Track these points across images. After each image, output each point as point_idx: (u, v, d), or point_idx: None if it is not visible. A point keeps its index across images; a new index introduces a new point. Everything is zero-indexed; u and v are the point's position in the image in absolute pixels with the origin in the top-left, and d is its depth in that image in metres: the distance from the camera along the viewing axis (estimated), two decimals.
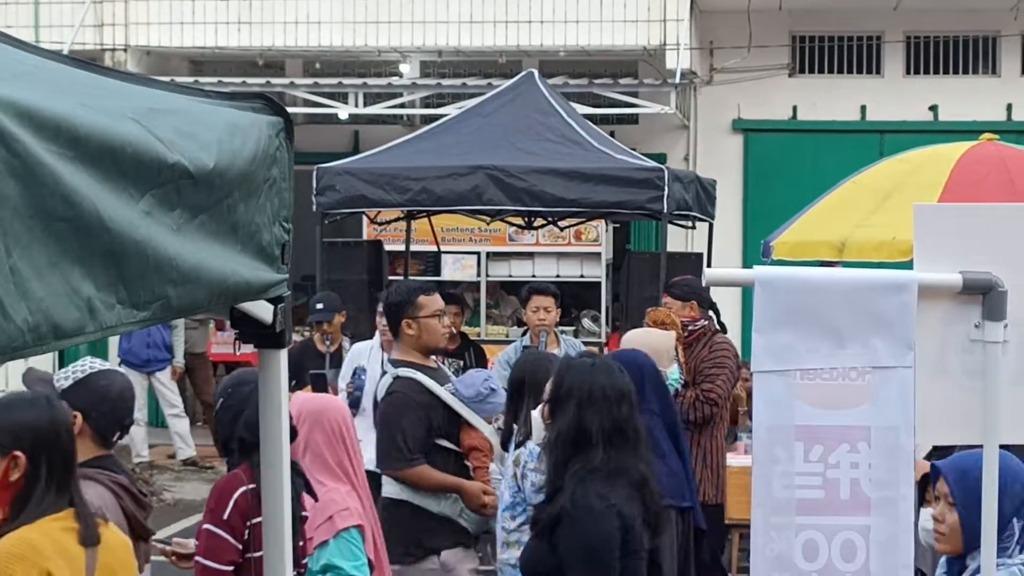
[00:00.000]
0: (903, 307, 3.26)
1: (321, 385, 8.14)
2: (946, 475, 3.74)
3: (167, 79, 2.80)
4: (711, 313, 8.19)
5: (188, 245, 2.48)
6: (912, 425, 3.28)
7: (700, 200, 10.92)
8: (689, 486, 5.83)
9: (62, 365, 15.80)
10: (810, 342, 3.25)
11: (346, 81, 15.44)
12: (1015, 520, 3.63)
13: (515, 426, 6.07)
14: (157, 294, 2.35)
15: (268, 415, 3.03)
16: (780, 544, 3.25)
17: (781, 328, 3.25)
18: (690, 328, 7.80)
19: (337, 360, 9.18)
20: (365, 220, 13.71)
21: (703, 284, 3.33)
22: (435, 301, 6.47)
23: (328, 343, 9.59)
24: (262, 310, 2.92)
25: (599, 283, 15.13)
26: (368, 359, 8.54)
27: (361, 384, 8.32)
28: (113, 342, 13.99)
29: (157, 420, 14.79)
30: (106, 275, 2.20)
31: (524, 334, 10.09)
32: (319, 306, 9.61)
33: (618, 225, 15.41)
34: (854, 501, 3.26)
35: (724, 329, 8.45)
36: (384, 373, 6.68)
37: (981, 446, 3.38)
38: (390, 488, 6.29)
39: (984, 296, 3.33)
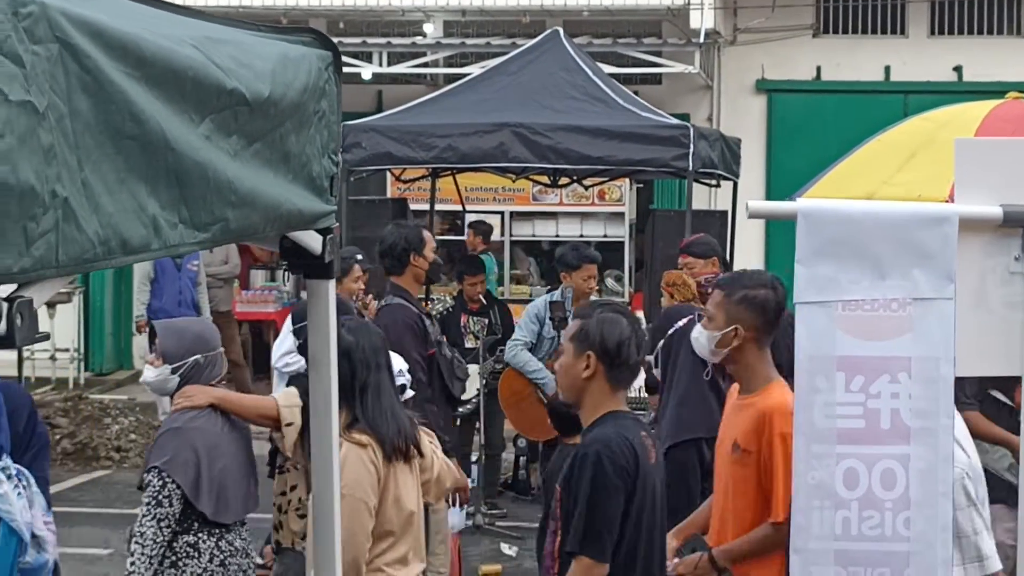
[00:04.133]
0: (944, 239, 3.29)
1: None
2: None
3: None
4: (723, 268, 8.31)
5: (245, 170, 2.53)
6: (952, 356, 3.32)
7: (725, 158, 10.91)
8: None
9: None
10: (851, 273, 3.28)
11: (370, 40, 15.44)
12: None
13: None
14: (217, 216, 2.40)
15: (317, 344, 3.09)
16: (821, 472, 3.29)
17: (823, 260, 3.28)
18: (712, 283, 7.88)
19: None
20: (390, 179, 13.73)
21: (747, 217, 3.35)
22: None
23: (356, 299, 9.57)
24: (312, 240, 2.97)
25: (622, 243, 15.17)
26: None
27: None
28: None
29: None
30: (169, 194, 2.25)
31: (549, 291, 10.17)
32: (359, 256, 9.55)
33: (641, 185, 15.41)
34: (894, 430, 3.30)
35: None
36: None
37: None
38: None
39: None
